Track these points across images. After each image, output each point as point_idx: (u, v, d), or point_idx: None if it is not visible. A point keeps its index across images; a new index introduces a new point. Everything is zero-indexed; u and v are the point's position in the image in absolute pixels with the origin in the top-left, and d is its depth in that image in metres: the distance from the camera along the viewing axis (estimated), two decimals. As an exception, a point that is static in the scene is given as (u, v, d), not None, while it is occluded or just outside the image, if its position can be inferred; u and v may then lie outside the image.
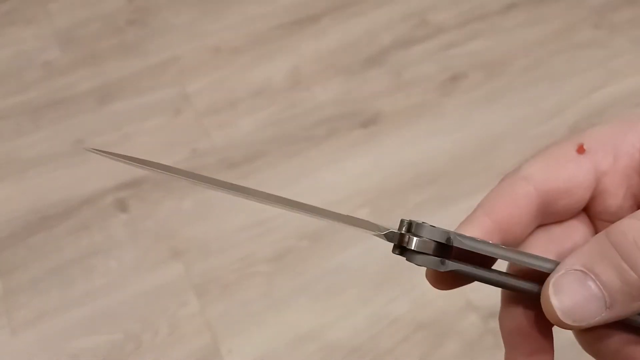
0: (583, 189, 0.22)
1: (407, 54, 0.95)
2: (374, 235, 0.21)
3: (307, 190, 0.80)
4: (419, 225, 0.20)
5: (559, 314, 0.19)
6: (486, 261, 0.21)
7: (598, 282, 0.18)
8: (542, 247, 0.22)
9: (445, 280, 0.22)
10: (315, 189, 0.80)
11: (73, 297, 0.71)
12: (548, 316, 0.19)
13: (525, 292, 0.21)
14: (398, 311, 0.69)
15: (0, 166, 0.84)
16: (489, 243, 0.21)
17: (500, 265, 0.22)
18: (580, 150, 0.22)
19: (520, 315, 0.21)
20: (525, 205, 0.21)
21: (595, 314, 0.18)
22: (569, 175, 0.21)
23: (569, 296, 0.19)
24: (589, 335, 0.20)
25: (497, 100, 0.89)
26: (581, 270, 0.19)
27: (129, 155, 0.22)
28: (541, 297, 0.19)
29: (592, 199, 0.22)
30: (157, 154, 0.83)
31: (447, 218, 0.75)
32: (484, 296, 0.67)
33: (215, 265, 0.73)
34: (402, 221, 0.21)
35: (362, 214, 0.77)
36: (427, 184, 0.79)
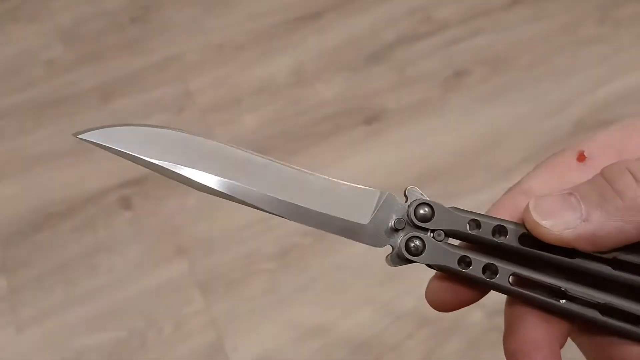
0: None
1: (410, 50, 0.94)
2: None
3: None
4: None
5: (533, 215, 0.20)
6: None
7: (577, 196, 0.20)
8: None
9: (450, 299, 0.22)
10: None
11: (78, 295, 0.71)
12: (527, 224, 0.20)
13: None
14: (403, 308, 0.69)
15: (4, 164, 0.84)
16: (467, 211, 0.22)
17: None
18: (581, 158, 0.22)
19: (531, 330, 0.21)
20: None
21: (571, 223, 0.19)
22: (571, 184, 0.21)
23: (548, 202, 0.20)
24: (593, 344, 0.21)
25: (501, 97, 0.88)
26: (568, 192, 0.20)
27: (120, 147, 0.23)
28: (524, 210, 0.20)
29: None
30: (161, 151, 0.83)
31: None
32: (489, 293, 0.67)
33: (220, 262, 0.73)
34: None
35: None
36: (431, 181, 0.79)
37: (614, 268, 0.20)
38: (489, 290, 0.22)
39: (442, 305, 0.23)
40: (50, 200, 0.80)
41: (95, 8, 1.03)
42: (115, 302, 0.71)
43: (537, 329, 0.21)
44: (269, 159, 0.22)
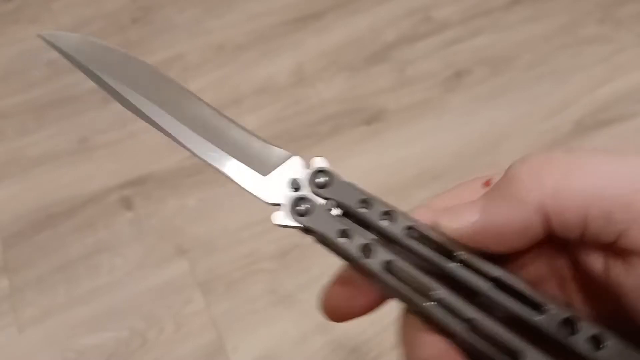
0: None
1: (411, 51, 0.94)
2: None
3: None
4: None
5: (434, 214, 0.20)
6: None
7: (478, 199, 0.20)
8: None
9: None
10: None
11: (79, 295, 0.72)
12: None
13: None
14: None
15: (6, 165, 0.84)
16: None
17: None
18: (487, 183, 0.22)
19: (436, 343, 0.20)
20: None
21: (470, 217, 0.19)
22: (465, 199, 0.21)
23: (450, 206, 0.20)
24: None
25: (501, 96, 0.88)
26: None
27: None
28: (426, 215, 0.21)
29: None
30: (162, 151, 0.83)
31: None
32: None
33: (220, 262, 0.73)
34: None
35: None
36: (431, 181, 0.79)
37: (495, 286, 0.19)
38: (384, 300, 0.22)
39: (335, 313, 0.22)
40: (52, 200, 0.80)
41: (96, 9, 1.03)
42: (116, 302, 0.71)
43: (435, 344, 0.20)
44: (201, 101, 0.24)
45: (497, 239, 0.19)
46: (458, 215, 0.20)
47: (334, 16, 1.00)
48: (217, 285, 0.71)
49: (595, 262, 0.19)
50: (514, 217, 0.19)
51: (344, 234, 0.21)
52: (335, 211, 0.22)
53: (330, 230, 0.21)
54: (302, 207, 0.22)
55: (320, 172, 0.22)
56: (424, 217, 0.21)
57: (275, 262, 0.73)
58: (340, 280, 0.22)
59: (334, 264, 0.74)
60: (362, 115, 0.87)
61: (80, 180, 0.82)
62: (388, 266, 0.20)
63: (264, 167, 0.23)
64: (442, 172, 0.80)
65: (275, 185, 0.22)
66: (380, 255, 0.20)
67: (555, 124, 0.85)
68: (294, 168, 0.23)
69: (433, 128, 0.85)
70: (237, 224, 0.76)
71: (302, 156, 0.23)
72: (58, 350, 0.68)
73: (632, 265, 0.18)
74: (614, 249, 0.18)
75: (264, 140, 0.23)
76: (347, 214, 0.22)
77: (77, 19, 1.02)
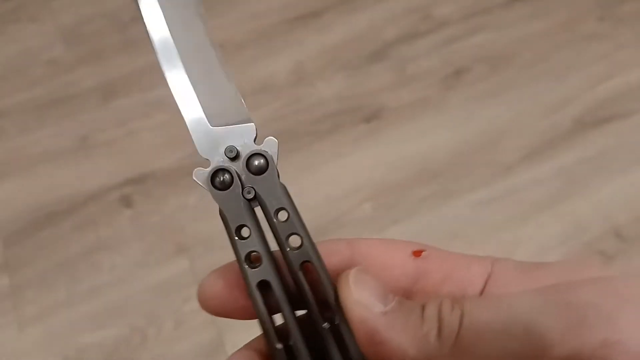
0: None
1: (410, 49, 0.94)
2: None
3: (311, 184, 0.80)
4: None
5: (351, 277, 0.19)
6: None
7: (395, 299, 0.18)
8: None
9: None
10: (319, 184, 0.80)
11: (79, 293, 0.72)
12: (340, 278, 0.19)
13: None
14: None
15: (7, 163, 0.85)
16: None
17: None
18: (417, 253, 0.21)
19: None
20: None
21: (372, 307, 0.18)
22: (397, 267, 0.20)
23: (371, 281, 0.19)
24: None
25: (501, 94, 0.88)
26: (391, 290, 0.19)
27: None
28: (342, 275, 0.19)
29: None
30: (162, 150, 0.83)
31: (451, 212, 0.75)
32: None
33: (221, 260, 0.72)
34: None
35: (365, 208, 0.77)
36: (431, 179, 0.79)
37: None
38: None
39: (207, 302, 0.21)
40: (52, 198, 0.80)
41: (96, 8, 1.03)
42: (117, 299, 0.71)
43: None
44: (207, 38, 0.22)
45: (374, 346, 0.18)
46: (367, 296, 0.18)
47: (334, 15, 1.00)
48: (217, 283, 0.71)
49: None
50: (405, 349, 0.17)
51: (243, 232, 0.20)
52: (252, 201, 0.20)
53: (232, 220, 0.20)
54: (221, 179, 0.20)
55: (261, 156, 0.21)
56: (343, 250, 0.20)
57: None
58: (226, 271, 0.21)
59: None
60: (361, 113, 0.87)
61: (80, 179, 0.82)
62: (263, 287, 0.19)
63: (216, 118, 0.21)
64: (442, 169, 0.80)
65: (214, 141, 0.21)
66: (262, 273, 0.19)
67: (554, 122, 0.85)
68: (244, 135, 0.21)
69: (432, 126, 0.85)
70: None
71: (254, 126, 0.21)
72: (58, 348, 0.68)
73: None
74: None
75: (239, 95, 0.22)
76: (263, 209, 0.20)
77: (77, 18, 1.02)
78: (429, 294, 0.20)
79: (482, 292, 0.20)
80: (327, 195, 0.78)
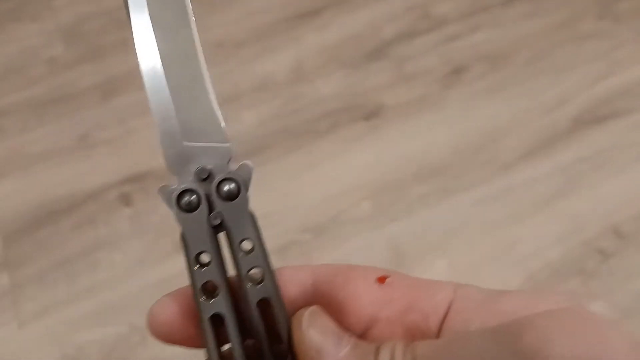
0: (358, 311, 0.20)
1: (409, 47, 0.94)
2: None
3: (310, 183, 0.80)
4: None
5: (308, 316, 0.18)
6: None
7: (350, 345, 0.18)
8: None
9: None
10: (318, 182, 0.80)
11: (79, 291, 0.72)
12: (297, 316, 0.19)
13: None
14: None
15: (6, 161, 0.85)
16: None
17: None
18: (381, 279, 0.20)
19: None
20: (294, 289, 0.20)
21: (328, 352, 0.18)
22: (354, 288, 0.20)
23: (328, 323, 0.18)
24: None
25: (500, 93, 0.88)
26: (349, 335, 0.19)
27: None
28: (295, 317, 0.19)
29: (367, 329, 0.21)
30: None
31: (450, 210, 0.76)
32: (488, 287, 0.67)
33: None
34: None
35: (364, 207, 0.77)
36: (430, 177, 0.79)
37: None
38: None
39: (156, 328, 0.20)
40: (52, 197, 0.80)
41: (96, 7, 1.03)
42: (116, 297, 0.71)
43: None
44: (193, 37, 0.21)
45: None
46: (324, 342, 0.18)
47: (333, 13, 1.00)
48: (216, 281, 0.72)
49: None
50: None
51: (202, 258, 0.19)
52: (217, 228, 0.19)
53: (193, 245, 0.19)
54: (188, 200, 0.19)
55: (233, 181, 0.19)
56: (304, 279, 0.20)
57: (273, 258, 0.73)
58: (177, 297, 0.20)
59: (331, 261, 0.75)
60: (360, 111, 0.87)
61: (80, 177, 0.82)
62: (217, 320, 0.19)
63: (191, 134, 0.20)
64: (441, 167, 0.80)
65: (185, 158, 0.20)
66: (217, 306, 0.18)
67: (553, 120, 0.85)
68: (218, 156, 0.20)
69: (432, 124, 0.85)
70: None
71: (231, 146, 0.20)
72: (58, 346, 0.68)
73: None
74: None
75: (220, 114, 0.20)
76: (229, 238, 0.19)
77: (77, 16, 1.02)
78: (393, 322, 0.20)
79: (444, 320, 0.20)
80: (325, 193, 0.78)
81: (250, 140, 0.84)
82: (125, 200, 0.79)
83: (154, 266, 0.74)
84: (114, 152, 0.85)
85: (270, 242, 0.74)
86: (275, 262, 0.71)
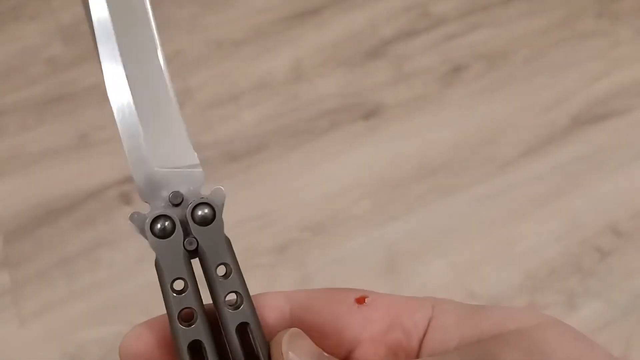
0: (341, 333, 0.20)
1: (408, 46, 0.95)
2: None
3: (309, 182, 0.80)
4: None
5: (288, 339, 0.18)
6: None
7: None
8: None
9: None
10: (317, 181, 0.80)
11: (79, 289, 0.72)
12: (276, 339, 0.18)
13: None
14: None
15: (6, 161, 0.85)
16: None
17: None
18: (360, 300, 0.20)
19: None
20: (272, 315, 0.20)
21: None
22: (332, 314, 0.20)
23: (309, 347, 0.18)
24: None
25: (499, 91, 0.89)
26: (328, 357, 0.18)
27: None
28: (274, 339, 0.18)
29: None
30: (161, 147, 0.83)
31: (449, 208, 0.76)
32: (487, 286, 0.68)
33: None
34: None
35: (364, 205, 0.77)
36: (429, 175, 0.80)
37: None
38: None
39: (128, 356, 0.19)
40: (52, 196, 0.80)
41: (96, 6, 1.03)
42: (116, 296, 0.72)
43: None
44: (160, 61, 0.20)
45: None
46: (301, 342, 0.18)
47: (332, 12, 1.00)
48: (215, 279, 0.72)
49: None
50: None
51: (176, 285, 0.19)
52: (192, 254, 0.19)
53: (169, 272, 0.19)
54: (162, 226, 0.19)
55: (208, 206, 0.19)
56: (274, 315, 0.19)
57: (273, 256, 0.73)
58: (151, 327, 0.20)
59: (333, 261, 0.75)
60: (360, 110, 0.87)
61: (80, 176, 0.82)
62: (195, 348, 0.18)
63: (162, 159, 0.20)
64: (440, 166, 0.80)
65: (157, 184, 0.20)
66: (195, 333, 0.18)
67: (552, 118, 0.85)
68: (190, 181, 0.20)
69: (431, 123, 0.86)
70: (235, 219, 0.76)
71: (202, 172, 0.20)
72: (59, 344, 0.68)
73: None
74: None
75: (189, 139, 0.20)
76: (202, 264, 0.19)
77: (77, 16, 1.02)
78: (377, 343, 0.20)
79: (424, 338, 0.20)
80: (325, 192, 0.78)
81: (249, 139, 0.85)
82: (125, 199, 0.80)
83: (154, 265, 0.74)
84: (113, 151, 0.85)
85: (270, 240, 0.74)
86: (275, 260, 0.72)
